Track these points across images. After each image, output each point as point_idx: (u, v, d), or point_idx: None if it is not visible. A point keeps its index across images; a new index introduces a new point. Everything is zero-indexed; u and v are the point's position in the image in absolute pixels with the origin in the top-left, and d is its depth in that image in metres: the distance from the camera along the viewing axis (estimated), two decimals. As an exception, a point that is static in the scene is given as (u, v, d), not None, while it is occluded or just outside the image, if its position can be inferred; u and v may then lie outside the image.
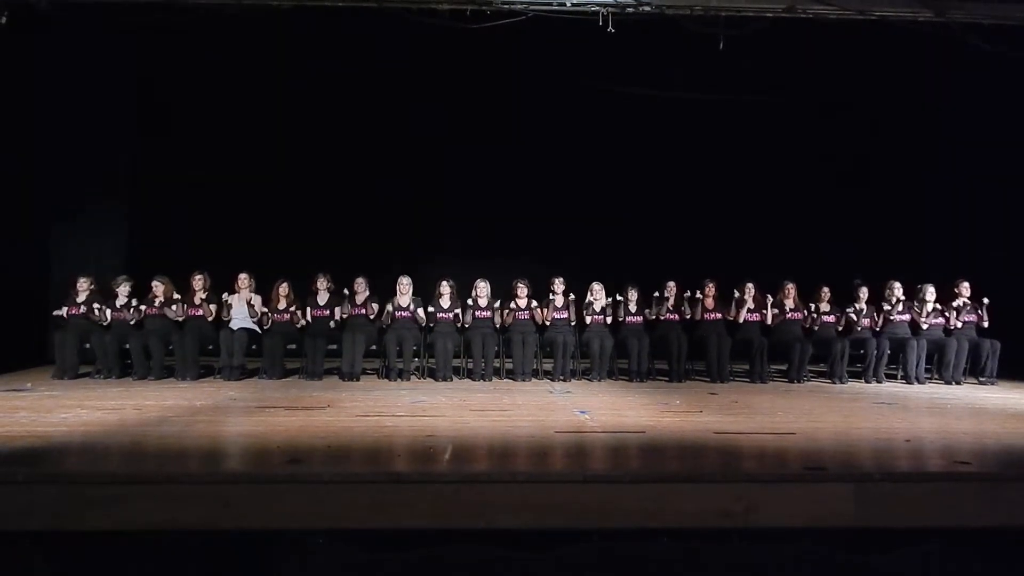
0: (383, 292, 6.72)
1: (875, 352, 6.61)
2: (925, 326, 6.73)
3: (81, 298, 6.51)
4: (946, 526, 2.96)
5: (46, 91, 7.08)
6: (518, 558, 2.93)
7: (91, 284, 6.57)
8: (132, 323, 6.42)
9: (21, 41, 6.14)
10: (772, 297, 6.77)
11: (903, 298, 6.75)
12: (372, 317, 6.57)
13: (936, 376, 6.73)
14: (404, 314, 6.56)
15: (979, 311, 6.72)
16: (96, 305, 6.41)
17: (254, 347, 6.47)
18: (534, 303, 6.66)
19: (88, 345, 6.36)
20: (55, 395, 5.27)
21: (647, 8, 6.16)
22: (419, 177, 8.17)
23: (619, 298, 6.69)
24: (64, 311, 6.46)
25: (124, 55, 7.25)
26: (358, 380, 6.28)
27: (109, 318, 6.43)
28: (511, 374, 6.59)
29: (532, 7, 6.18)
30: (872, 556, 2.96)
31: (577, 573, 2.95)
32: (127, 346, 6.34)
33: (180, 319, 6.43)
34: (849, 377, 6.67)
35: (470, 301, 6.65)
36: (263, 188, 8.04)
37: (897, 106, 7.91)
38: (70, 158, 7.55)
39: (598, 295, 6.74)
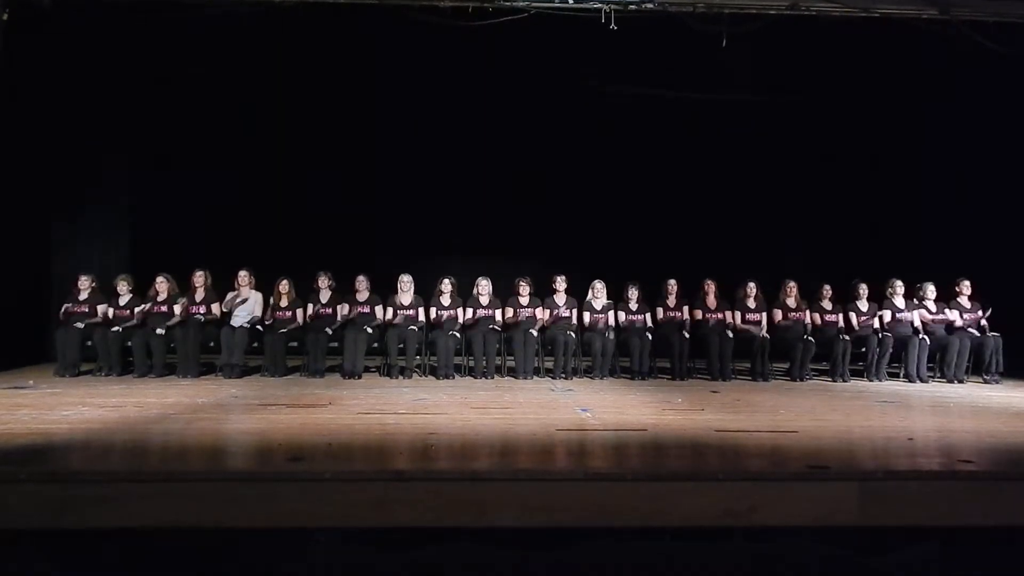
0: (384, 290, 6.72)
1: (877, 350, 6.61)
2: (936, 319, 6.71)
3: (83, 296, 6.52)
4: (949, 525, 2.95)
5: (47, 87, 7.08)
6: (520, 556, 2.92)
7: (92, 282, 6.59)
8: (135, 323, 6.43)
9: (23, 38, 6.14)
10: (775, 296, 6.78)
11: (900, 293, 6.77)
12: (374, 322, 6.56)
13: (938, 374, 6.72)
14: (406, 312, 6.56)
15: (979, 309, 6.72)
16: (100, 310, 6.45)
17: (255, 345, 6.47)
18: (536, 300, 6.67)
19: (90, 343, 6.36)
20: (57, 393, 5.27)
21: (649, 5, 6.15)
22: (419, 176, 8.17)
23: (626, 295, 6.71)
24: (65, 310, 6.48)
25: (125, 52, 7.24)
26: (359, 378, 6.28)
27: (111, 315, 6.45)
28: (513, 372, 6.58)
29: (534, 4, 6.17)
30: (875, 555, 2.96)
31: (579, 572, 2.95)
32: (128, 343, 6.34)
33: (183, 318, 6.43)
34: (851, 375, 6.66)
35: (478, 296, 6.66)
36: (264, 186, 8.04)
37: (895, 104, 7.89)
38: (72, 156, 7.55)
39: (599, 293, 6.74)
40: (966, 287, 6.79)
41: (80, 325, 6.32)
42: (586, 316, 6.71)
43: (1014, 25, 6.27)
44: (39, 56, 6.82)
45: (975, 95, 7.37)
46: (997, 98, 7.19)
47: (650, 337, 6.54)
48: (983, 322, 6.65)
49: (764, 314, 6.76)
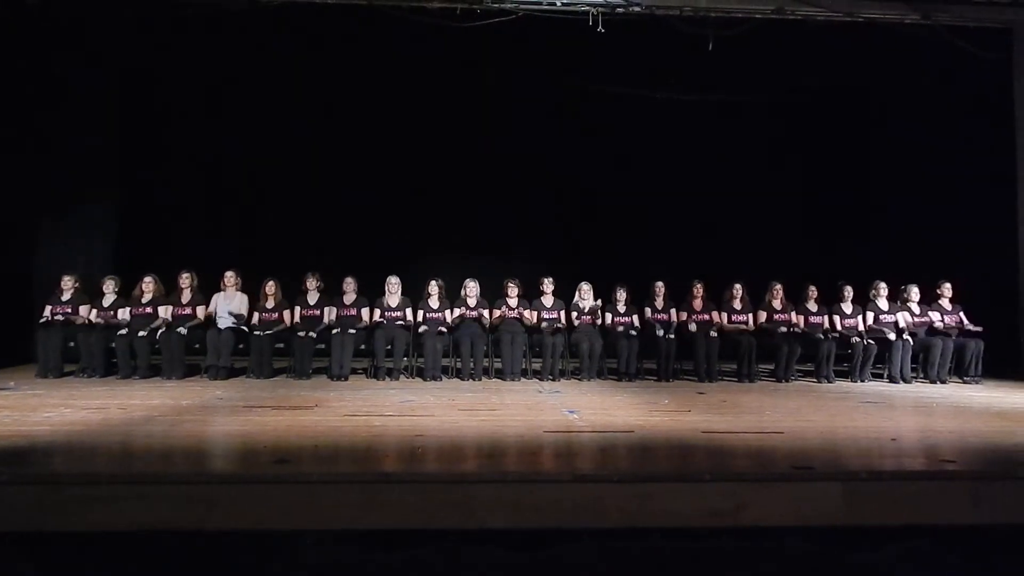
0: (372, 292, 6.70)
1: (862, 352, 6.67)
2: (919, 321, 6.78)
3: (66, 297, 6.45)
4: (931, 524, 2.98)
5: (37, 86, 7.01)
6: (507, 558, 2.92)
7: (75, 283, 6.52)
8: (118, 324, 6.36)
9: (11, 36, 6.08)
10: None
11: (884, 295, 6.86)
12: (360, 326, 6.52)
13: (921, 376, 6.79)
14: (393, 314, 6.55)
15: (961, 312, 6.80)
16: (83, 311, 6.35)
17: (241, 346, 6.42)
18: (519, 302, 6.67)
19: (73, 344, 6.29)
20: (39, 394, 5.21)
21: (637, 8, 6.19)
22: (407, 177, 8.15)
23: (617, 297, 6.73)
24: (48, 311, 6.39)
25: (115, 51, 7.19)
26: (346, 380, 6.25)
27: (95, 318, 6.37)
28: (500, 374, 6.58)
29: (522, 6, 6.20)
30: (860, 553, 2.98)
31: (567, 572, 2.95)
32: (112, 345, 6.28)
33: (168, 319, 6.36)
34: (836, 376, 6.72)
35: (466, 298, 6.64)
36: (252, 186, 8.00)
37: (888, 104, 7.98)
38: (59, 155, 7.47)
39: (587, 295, 6.76)
40: (947, 290, 6.89)
41: (59, 318, 6.23)
42: (573, 317, 6.72)
43: (994, 30, 6.37)
44: (28, 51, 6.75)
45: (957, 97, 7.46)
46: (977, 101, 7.29)
47: (637, 339, 6.56)
48: (967, 325, 6.73)
49: (750, 316, 6.82)
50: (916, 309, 6.88)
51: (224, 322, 6.39)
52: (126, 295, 6.53)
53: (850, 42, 6.71)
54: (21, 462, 3.18)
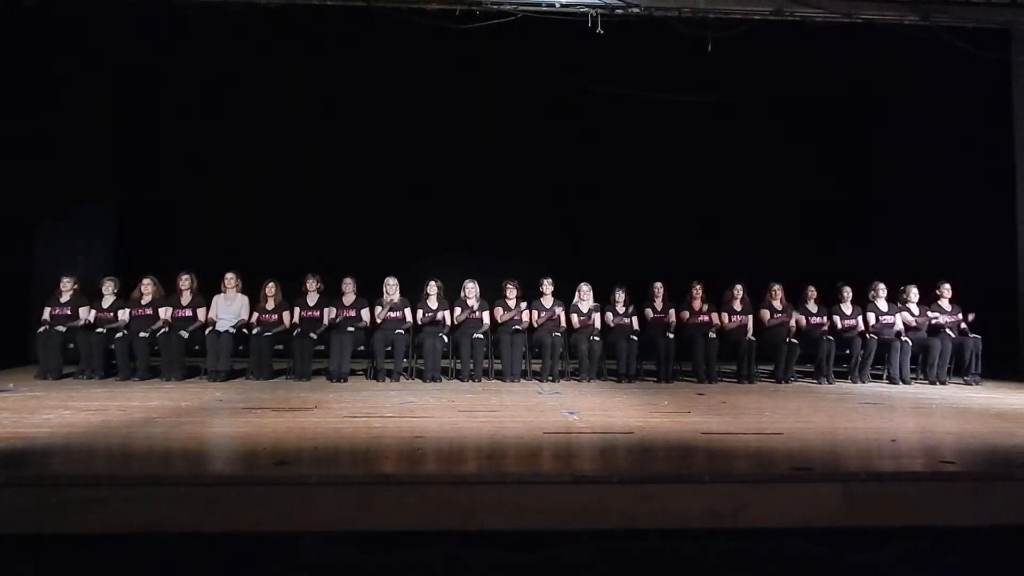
0: (371, 292, 6.70)
1: (861, 352, 6.67)
2: (916, 324, 6.79)
3: (64, 298, 6.44)
4: (931, 525, 2.98)
5: (37, 86, 7.01)
6: (507, 559, 2.92)
7: (74, 284, 6.50)
8: (118, 327, 6.35)
9: (11, 36, 6.08)
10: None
11: (883, 295, 6.86)
12: (362, 324, 6.52)
13: (921, 376, 6.79)
14: (393, 315, 6.55)
15: (960, 312, 6.80)
16: (82, 313, 6.33)
17: (240, 348, 6.41)
18: (523, 304, 6.66)
19: (72, 345, 6.28)
20: (38, 396, 5.21)
21: (635, 9, 6.20)
22: (407, 177, 8.15)
23: (616, 298, 6.72)
24: (48, 313, 6.38)
25: (115, 51, 7.18)
26: (346, 381, 6.25)
27: (93, 319, 6.36)
28: (499, 375, 6.58)
29: (521, 8, 6.21)
30: (860, 554, 2.98)
31: (567, 574, 2.95)
32: (112, 346, 6.27)
33: (168, 325, 6.35)
34: (835, 377, 6.71)
35: (465, 298, 6.63)
36: (252, 187, 8.00)
37: (888, 104, 7.98)
38: (59, 155, 7.47)
39: (586, 296, 6.76)
40: (947, 290, 6.89)
41: (62, 329, 6.23)
42: (573, 319, 6.72)
43: (993, 31, 6.38)
44: (27, 51, 6.75)
45: (956, 98, 7.46)
46: (977, 101, 7.29)
47: (636, 340, 6.55)
48: (963, 325, 6.73)
49: (750, 316, 6.81)
50: (915, 310, 6.88)
51: (224, 324, 6.38)
52: (125, 296, 6.52)
53: (849, 43, 6.71)
54: (20, 464, 3.18)
